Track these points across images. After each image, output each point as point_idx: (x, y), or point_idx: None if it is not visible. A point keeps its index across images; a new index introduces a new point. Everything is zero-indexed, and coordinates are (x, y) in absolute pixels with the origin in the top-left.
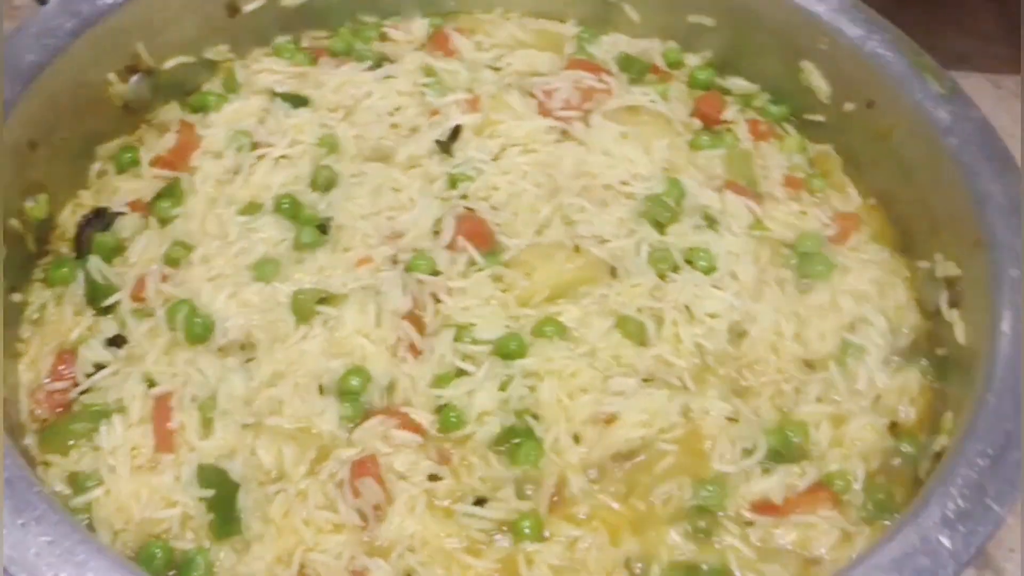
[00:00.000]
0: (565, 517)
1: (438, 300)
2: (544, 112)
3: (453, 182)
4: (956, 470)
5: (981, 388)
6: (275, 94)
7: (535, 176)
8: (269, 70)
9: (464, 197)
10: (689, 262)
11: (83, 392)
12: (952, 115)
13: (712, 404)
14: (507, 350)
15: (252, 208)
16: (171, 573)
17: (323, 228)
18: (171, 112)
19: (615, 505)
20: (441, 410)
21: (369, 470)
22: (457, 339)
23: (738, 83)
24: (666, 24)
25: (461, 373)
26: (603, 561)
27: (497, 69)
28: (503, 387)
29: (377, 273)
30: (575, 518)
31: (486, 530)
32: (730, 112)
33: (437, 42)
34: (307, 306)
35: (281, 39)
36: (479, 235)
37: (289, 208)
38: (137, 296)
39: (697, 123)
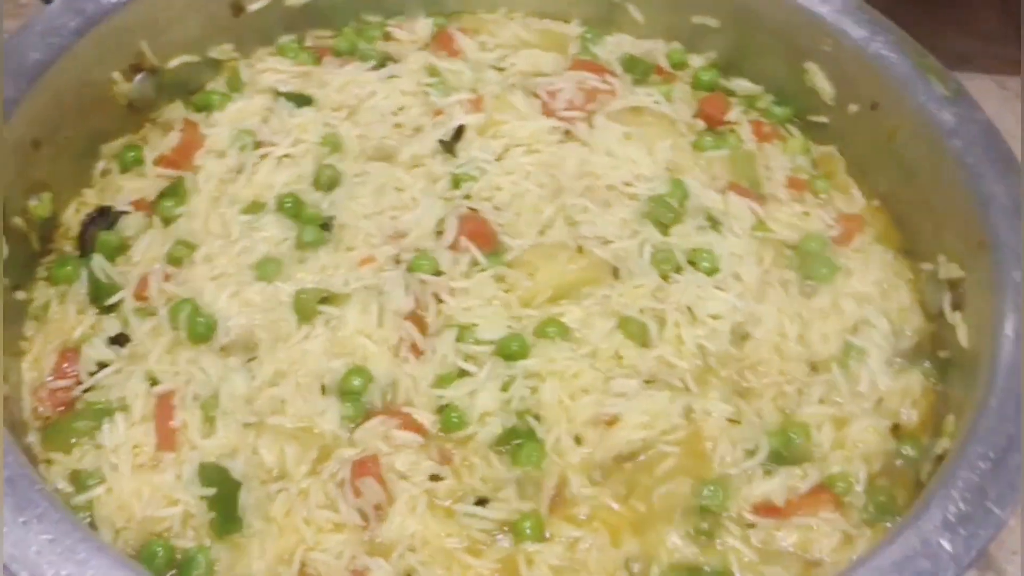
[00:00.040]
0: (566, 518)
1: (440, 300)
2: (548, 112)
3: (456, 182)
4: (957, 473)
5: (983, 391)
6: (279, 93)
7: (538, 176)
8: (273, 69)
9: (467, 197)
10: (692, 263)
11: (86, 390)
12: (956, 117)
13: (714, 406)
14: (509, 351)
15: (255, 207)
16: (172, 571)
17: (326, 227)
18: (175, 111)
19: (616, 506)
20: (443, 410)
21: (370, 470)
22: (459, 339)
23: (742, 84)
24: (670, 25)
25: (463, 373)
26: (604, 562)
27: (501, 69)
28: (505, 388)
29: (380, 273)
30: (576, 519)
31: (487, 530)
32: (734, 113)
33: (441, 42)
34: (309, 306)
35: (285, 38)
36: (482, 235)
37: (292, 207)
38: (140, 295)
39: (701, 124)
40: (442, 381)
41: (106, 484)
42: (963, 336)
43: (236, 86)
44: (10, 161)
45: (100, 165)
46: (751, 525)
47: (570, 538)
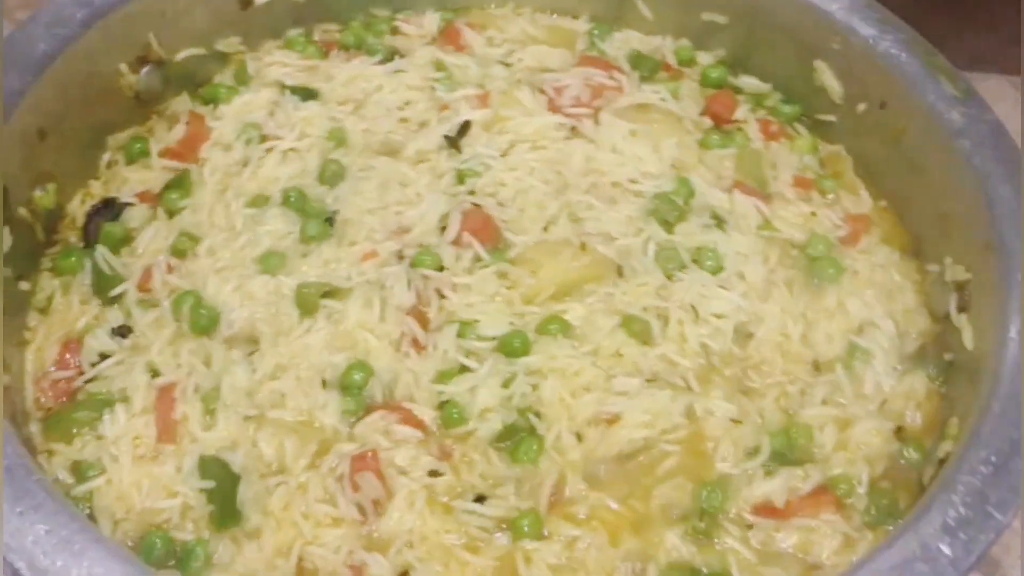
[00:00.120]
0: (565, 516)
1: (442, 296)
2: (554, 109)
3: (461, 178)
4: (958, 477)
5: (986, 394)
6: (285, 87)
7: (543, 173)
8: (280, 63)
9: (471, 193)
10: (696, 262)
11: (88, 381)
12: (965, 117)
13: (716, 405)
14: (511, 347)
15: (259, 201)
16: (171, 563)
17: (330, 222)
18: (182, 104)
19: (615, 505)
20: (443, 406)
21: (369, 465)
22: (461, 335)
23: (750, 82)
24: (679, 21)
25: (464, 369)
26: (602, 561)
27: (508, 65)
28: (506, 384)
29: (382, 268)
30: (575, 517)
31: (485, 527)
32: (741, 111)
33: (448, 37)
34: (311, 299)
35: (293, 32)
36: (485, 231)
37: (296, 201)
38: (143, 286)
39: (708, 122)
40: (443, 377)
41: (106, 475)
42: (968, 338)
43: (243, 79)
44: (15, 152)
45: (106, 157)
46: (750, 526)
47: (568, 537)
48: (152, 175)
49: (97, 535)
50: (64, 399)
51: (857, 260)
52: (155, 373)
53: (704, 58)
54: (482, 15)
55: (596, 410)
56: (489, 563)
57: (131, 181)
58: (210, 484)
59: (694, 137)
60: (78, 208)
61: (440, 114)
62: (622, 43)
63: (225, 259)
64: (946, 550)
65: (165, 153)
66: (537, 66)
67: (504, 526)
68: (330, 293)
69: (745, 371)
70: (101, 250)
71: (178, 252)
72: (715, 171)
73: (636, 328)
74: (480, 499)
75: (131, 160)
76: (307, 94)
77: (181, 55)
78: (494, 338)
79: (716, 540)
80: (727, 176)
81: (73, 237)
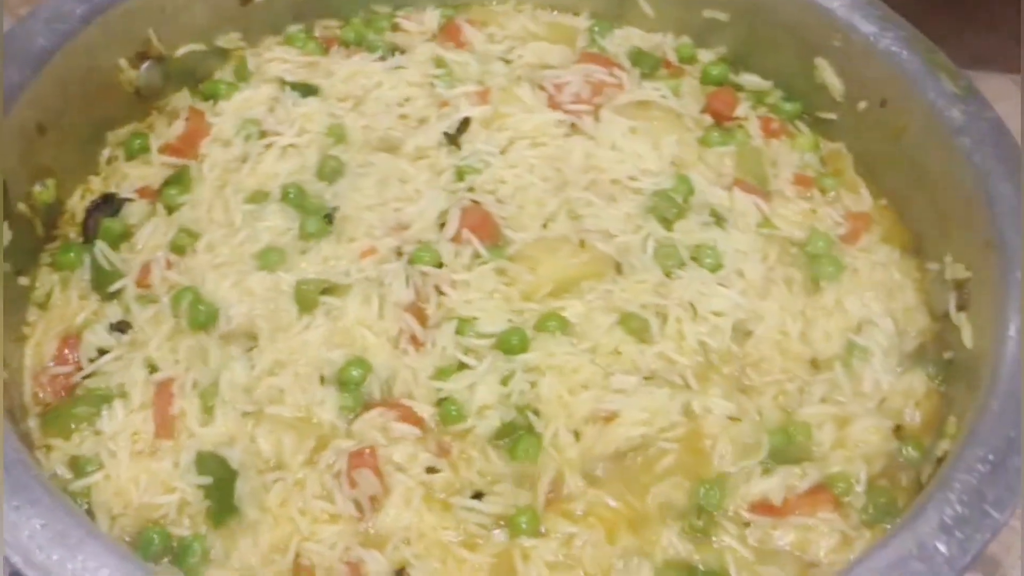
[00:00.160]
0: (562, 513)
1: (441, 293)
2: (554, 105)
3: (460, 174)
4: (955, 475)
5: (985, 392)
6: (285, 83)
7: (542, 170)
8: (280, 59)
9: (471, 190)
10: (695, 259)
11: (86, 376)
12: (965, 114)
13: (714, 403)
14: (509, 344)
15: (258, 197)
16: (167, 559)
17: (329, 218)
18: (182, 99)
19: (613, 502)
20: (441, 403)
21: (367, 461)
22: (459, 332)
23: (751, 80)
24: (680, 19)
25: (462, 366)
26: (599, 558)
27: (508, 61)
28: (504, 381)
29: (381, 265)
30: (572, 514)
31: (483, 524)
32: (742, 109)
33: (449, 33)
34: (310, 296)
35: (293, 28)
36: (484, 228)
37: (295, 197)
38: (142, 282)
39: (708, 119)
40: (441, 374)
41: (104, 470)
42: (967, 337)
43: (243, 75)
44: (14, 146)
45: (106, 152)
46: (748, 524)
47: (566, 534)
48: (152, 171)
49: (93, 529)
50: (63, 394)
51: (857, 258)
52: (153, 369)
53: (705, 55)
54: (483, 11)
55: (594, 407)
56: (486, 560)
57: (131, 177)
58: (207, 480)
59: (694, 134)
60: (77, 203)
61: (440, 111)
62: (623, 40)
63: (224, 255)
64: (942, 548)
65: (165, 149)
66: (537, 63)
67: (502, 523)
68: (329, 290)
69: (743, 369)
70: (100, 246)
71: (177, 248)
72: (715, 169)
73: (634, 325)
74: (478, 496)
75: (131, 156)
76: (307, 90)
77: (181, 51)
78: (493, 335)
79: (713, 538)
80: (727, 174)
81: (72, 232)
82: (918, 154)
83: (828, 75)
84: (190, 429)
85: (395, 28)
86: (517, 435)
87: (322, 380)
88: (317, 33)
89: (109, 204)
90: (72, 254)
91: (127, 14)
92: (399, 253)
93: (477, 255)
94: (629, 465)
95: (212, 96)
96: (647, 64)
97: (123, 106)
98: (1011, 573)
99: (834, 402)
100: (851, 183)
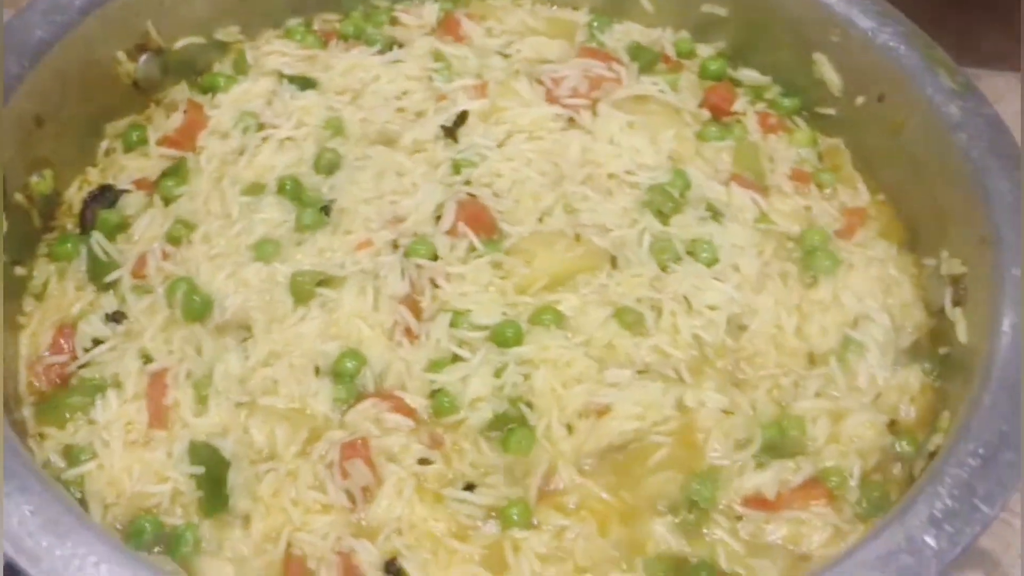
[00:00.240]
0: (554, 506)
1: (436, 285)
2: (551, 100)
3: (457, 168)
4: (946, 469)
5: (978, 387)
6: (283, 76)
7: (539, 164)
8: (278, 52)
9: (467, 183)
10: (691, 253)
11: (81, 366)
12: (963, 110)
13: (708, 396)
14: (503, 337)
15: (255, 189)
16: (159, 548)
17: (325, 210)
18: (181, 92)
19: (605, 495)
20: (435, 395)
21: (359, 452)
22: (453, 325)
23: (750, 75)
24: (679, 14)
25: (456, 359)
26: (590, 551)
27: (506, 56)
28: (498, 374)
29: (377, 257)
30: (564, 507)
31: (474, 516)
32: (740, 104)
33: (448, 27)
34: (305, 288)
35: (293, 21)
36: (480, 221)
37: (292, 189)
38: (138, 273)
39: (706, 114)
40: (435, 366)
41: (97, 460)
42: (962, 332)
43: (242, 68)
44: (12, 137)
45: (104, 144)
46: (740, 518)
47: (557, 526)
48: (149, 163)
49: (83, 517)
50: (57, 383)
51: (853, 253)
52: (148, 359)
53: (704, 50)
54: (482, 6)
55: (587, 401)
56: (477, 551)
57: (128, 168)
58: (200, 470)
59: (692, 129)
60: (75, 195)
61: (437, 104)
62: (622, 35)
63: (220, 246)
64: (931, 542)
65: (163, 141)
66: (536, 57)
67: (493, 515)
68: (324, 282)
69: (738, 363)
70: (97, 237)
71: (173, 239)
72: (712, 163)
73: (629, 319)
74: (469, 488)
75: (129, 148)
76: (305, 83)
77: (180, 44)
78: (487, 328)
79: (705, 531)
80: (724, 168)
81: (70, 223)
82: (916, 149)
83: (826, 70)
84: (183, 419)
85: (394, 22)
86: (510, 427)
87: (316, 372)
88: (316, 27)
89: (106, 195)
90: (69, 245)
91: (126, 6)
92: (395, 246)
93: (473, 248)
94: (622, 458)
95: (211, 89)
96: (646, 59)
97: (121, 98)
98: (1011, 571)
99: (828, 397)
100: (849, 179)
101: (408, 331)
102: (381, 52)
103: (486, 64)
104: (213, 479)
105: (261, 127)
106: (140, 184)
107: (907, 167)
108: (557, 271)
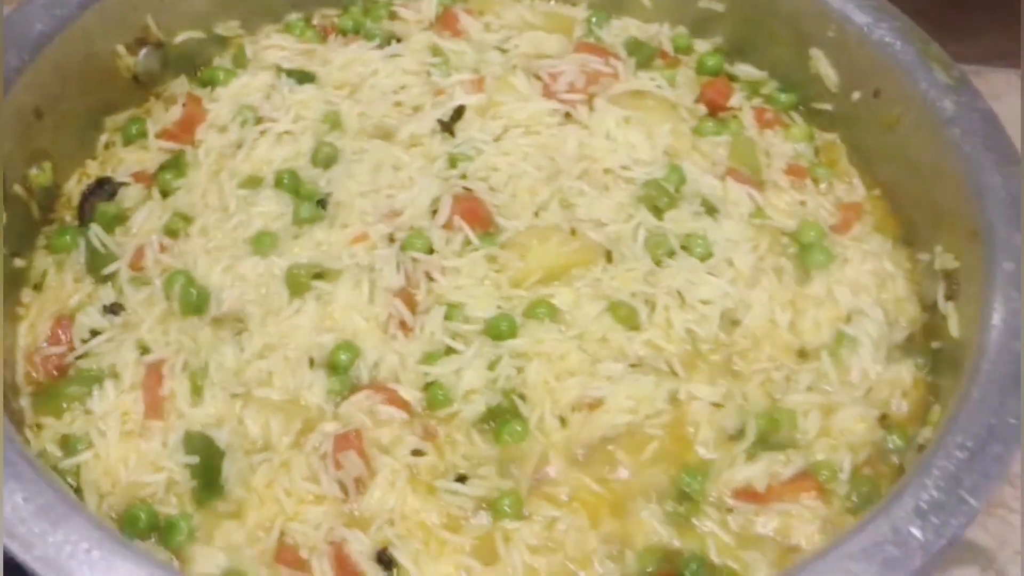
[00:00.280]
0: (546, 497)
1: (431, 279)
2: (548, 94)
3: (453, 162)
4: (934, 462)
5: (967, 381)
6: (281, 70)
7: (536, 158)
8: (277, 46)
9: (463, 177)
10: (686, 248)
11: (79, 357)
12: (956, 105)
13: (699, 389)
14: (498, 330)
15: (253, 182)
16: (153, 537)
17: (322, 204)
18: (181, 86)
19: (596, 487)
20: (428, 387)
21: (352, 444)
22: (448, 318)
23: (746, 70)
24: (677, 9)
25: (450, 351)
26: (581, 542)
27: (504, 51)
28: (491, 367)
29: (373, 250)
30: (556, 499)
31: (466, 507)
32: (736, 99)
33: (446, 22)
34: (301, 280)
35: (292, 16)
36: (476, 215)
37: (289, 183)
38: (136, 265)
39: (703, 109)
40: (429, 358)
41: (94, 449)
42: (954, 326)
43: (241, 63)
44: (11, 129)
45: (103, 138)
46: (730, 510)
47: (548, 517)
48: (148, 156)
49: (76, 504)
50: (55, 374)
51: (848, 248)
52: (145, 350)
53: (701, 46)
54: (480, 1)
55: (580, 394)
56: (468, 541)
57: (127, 161)
58: (195, 459)
59: (688, 124)
60: (74, 187)
61: (435, 99)
62: (620, 30)
63: (217, 239)
64: (917, 533)
65: (162, 134)
66: (533, 52)
67: (485, 506)
68: (320, 274)
69: (730, 357)
70: (95, 229)
71: (171, 232)
72: (709, 158)
73: (623, 313)
74: (462, 479)
75: (129, 141)
76: (303, 77)
77: (180, 38)
78: (481, 321)
79: (695, 522)
80: (721, 163)
81: (68, 216)
82: (911, 144)
83: (823, 66)
84: (179, 410)
85: (393, 17)
86: (503, 420)
87: (311, 364)
88: (315, 21)
89: (105, 188)
90: (67, 237)
91: (125, 1)
92: (391, 239)
93: (468, 242)
94: (614, 451)
95: (210, 83)
96: (643, 54)
97: (122, 92)
98: (1008, 567)
99: (820, 391)
100: (844, 174)
101: (403, 324)
102: (379, 47)
103: (484, 59)
104: (207, 469)
105: (259, 121)
106: (139, 177)
107: (902, 162)
108: (552, 265)
